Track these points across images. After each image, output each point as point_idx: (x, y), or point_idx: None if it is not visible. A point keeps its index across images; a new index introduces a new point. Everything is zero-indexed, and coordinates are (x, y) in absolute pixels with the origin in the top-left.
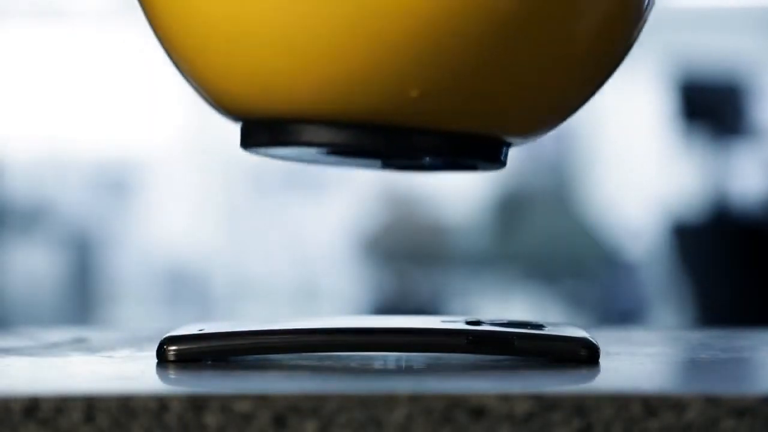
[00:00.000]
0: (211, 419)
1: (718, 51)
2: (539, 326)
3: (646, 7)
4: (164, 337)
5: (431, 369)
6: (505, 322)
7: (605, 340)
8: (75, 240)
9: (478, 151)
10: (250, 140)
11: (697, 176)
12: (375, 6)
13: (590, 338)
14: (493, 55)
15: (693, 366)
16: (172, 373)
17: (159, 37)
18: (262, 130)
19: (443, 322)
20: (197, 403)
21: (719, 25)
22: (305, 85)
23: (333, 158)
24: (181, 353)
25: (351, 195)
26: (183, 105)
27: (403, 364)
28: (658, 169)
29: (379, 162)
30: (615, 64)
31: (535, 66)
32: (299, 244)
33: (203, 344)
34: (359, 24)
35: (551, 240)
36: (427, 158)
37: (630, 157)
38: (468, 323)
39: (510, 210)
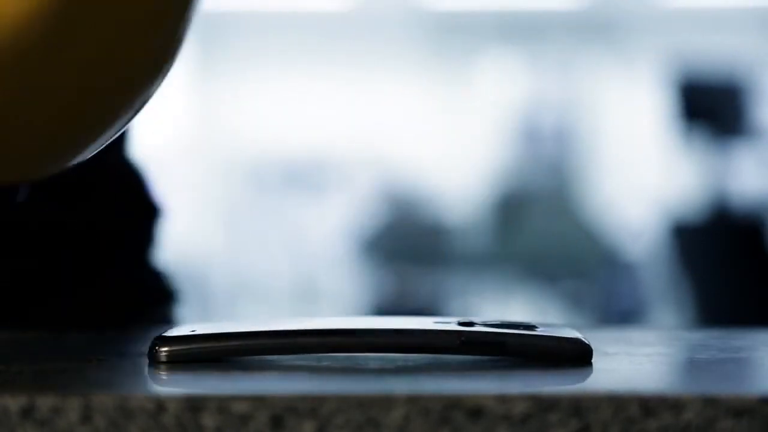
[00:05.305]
0: (208, 420)
1: (718, 51)
2: (532, 327)
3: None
4: (155, 337)
5: (428, 369)
6: (497, 323)
7: (603, 340)
8: None
9: None
10: None
11: (697, 176)
12: None
13: (582, 338)
14: None
15: (691, 366)
16: (168, 374)
17: None
18: None
19: (436, 323)
20: (195, 404)
21: (719, 25)
22: None
23: None
24: (172, 354)
25: (351, 195)
26: (183, 105)
27: (401, 364)
28: (658, 169)
29: None
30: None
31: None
32: (299, 244)
33: (195, 345)
34: None
35: (551, 240)
36: None
37: (630, 157)
38: (461, 324)
39: (510, 210)
